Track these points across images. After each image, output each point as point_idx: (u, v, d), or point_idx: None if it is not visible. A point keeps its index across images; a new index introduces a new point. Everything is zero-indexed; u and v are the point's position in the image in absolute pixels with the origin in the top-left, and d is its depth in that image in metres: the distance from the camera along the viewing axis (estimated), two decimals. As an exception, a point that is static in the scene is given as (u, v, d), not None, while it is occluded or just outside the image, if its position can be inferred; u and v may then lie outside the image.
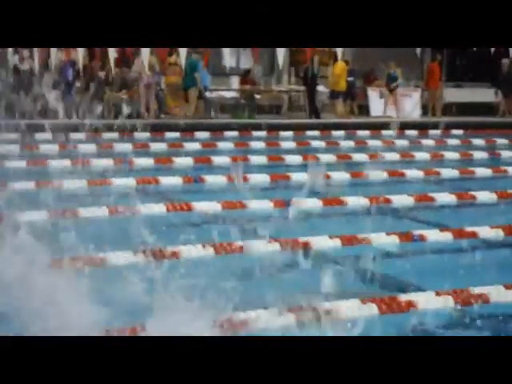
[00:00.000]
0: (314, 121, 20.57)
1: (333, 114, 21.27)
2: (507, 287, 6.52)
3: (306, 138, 17.99)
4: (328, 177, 12.41)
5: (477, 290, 6.41)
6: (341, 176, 12.56)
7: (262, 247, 7.58)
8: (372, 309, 5.94)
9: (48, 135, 14.81)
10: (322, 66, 21.73)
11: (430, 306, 6.16)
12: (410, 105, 23.04)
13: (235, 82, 22.67)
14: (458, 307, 6.20)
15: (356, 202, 10.30)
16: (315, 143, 16.95)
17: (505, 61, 23.27)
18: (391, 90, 22.34)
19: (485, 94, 24.59)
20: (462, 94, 24.08)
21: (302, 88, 21.88)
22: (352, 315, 5.75)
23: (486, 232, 8.74)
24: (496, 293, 6.43)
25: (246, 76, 22.29)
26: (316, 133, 18.80)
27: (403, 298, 6.22)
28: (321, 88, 21.65)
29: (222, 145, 16.27)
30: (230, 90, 22.24)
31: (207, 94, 20.83)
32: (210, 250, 7.44)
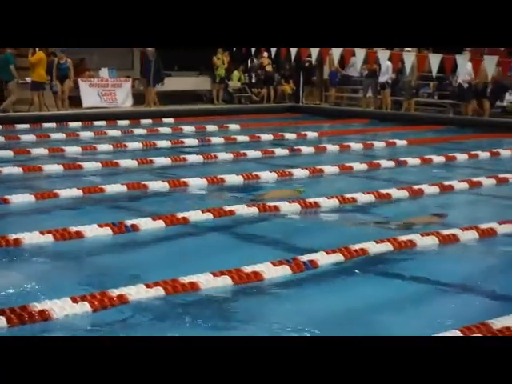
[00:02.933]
0: (24, 114, 20.00)
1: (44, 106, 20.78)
2: (215, 274, 6.69)
3: (15, 132, 17.44)
4: (40, 170, 12.20)
5: (187, 279, 6.53)
6: (53, 169, 12.36)
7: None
8: (84, 306, 5.90)
9: None
10: (20, 57, 20.99)
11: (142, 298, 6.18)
12: (122, 95, 23.06)
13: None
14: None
15: (69, 193, 10.19)
16: (25, 137, 16.46)
17: (150, 49, 22.82)
18: (61, 82, 21.77)
19: (192, 83, 25.33)
20: (172, 82, 24.40)
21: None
22: (63, 314, 5.71)
23: (197, 216, 8.99)
24: (205, 280, 6.55)
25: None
26: (26, 126, 18.30)
27: (116, 292, 6.16)
28: (28, 79, 21.05)
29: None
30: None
31: None
32: None
